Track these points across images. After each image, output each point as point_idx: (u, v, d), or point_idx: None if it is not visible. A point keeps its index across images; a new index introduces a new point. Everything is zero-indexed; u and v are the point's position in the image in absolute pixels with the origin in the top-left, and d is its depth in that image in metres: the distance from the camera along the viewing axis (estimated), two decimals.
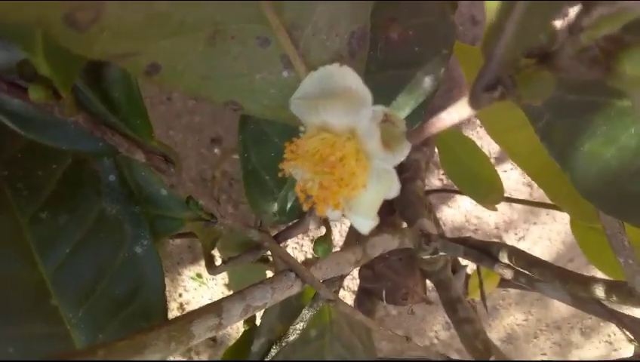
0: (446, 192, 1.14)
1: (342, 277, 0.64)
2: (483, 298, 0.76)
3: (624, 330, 0.51)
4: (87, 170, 0.32)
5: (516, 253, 0.54)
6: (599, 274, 0.51)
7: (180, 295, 1.37)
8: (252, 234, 0.38)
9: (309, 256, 1.38)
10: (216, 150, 1.26)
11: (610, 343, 1.51)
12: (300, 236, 1.41)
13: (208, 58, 0.24)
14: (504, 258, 0.56)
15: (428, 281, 0.78)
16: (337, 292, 0.75)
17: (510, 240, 1.32)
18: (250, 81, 0.25)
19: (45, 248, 0.31)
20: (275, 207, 0.37)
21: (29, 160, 0.31)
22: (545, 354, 1.51)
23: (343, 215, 0.27)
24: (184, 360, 1.43)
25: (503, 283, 0.80)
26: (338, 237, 1.31)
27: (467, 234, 1.33)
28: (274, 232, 0.41)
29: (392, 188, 0.26)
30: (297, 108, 0.25)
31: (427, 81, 0.34)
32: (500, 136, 0.44)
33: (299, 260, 0.41)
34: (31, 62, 0.25)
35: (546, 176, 0.47)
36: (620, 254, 0.34)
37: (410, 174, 0.96)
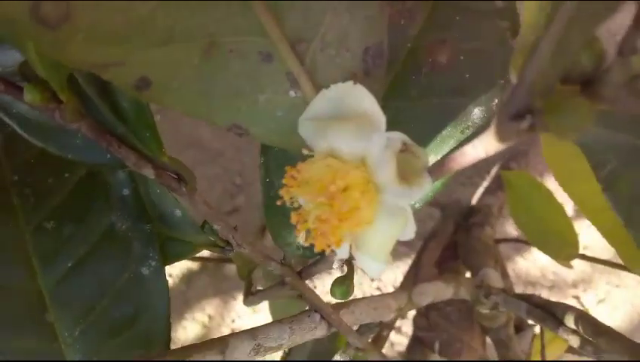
0: (519, 243, 1.06)
1: (382, 324, 0.60)
2: None
3: None
4: (100, 182, 0.31)
5: (583, 318, 0.48)
6: None
7: (233, 321, 1.37)
8: (272, 267, 0.35)
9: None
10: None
11: None
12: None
13: (205, 74, 0.22)
14: (570, 322, 0.51)
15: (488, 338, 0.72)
16: (384, 339, 0.71)
17: (589, 301, 1.21)
18: (254, 101, 0.23)
19: (47, 260, 0.30)
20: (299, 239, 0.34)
21: (41, 166, 0.30)
22: None
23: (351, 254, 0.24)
24: None
25: (571, 349, 0.73)
26: (400, 277, 1.26)
27: (541, 291, 1.24)
28: (300, 267, 0.38)
29: (406, 230, 0.22)
30: (306, 130, 0.23)
31: (477, 113, 0.30)
32: (569, 185, 0.39)
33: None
34: (30, 63, 0.23)
35: (618, 235, 0.41)
36: None
37: (479, 219, 0.90)
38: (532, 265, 1.25)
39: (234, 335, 0.33)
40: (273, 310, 0.72)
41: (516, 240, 1.01)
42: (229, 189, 1.45)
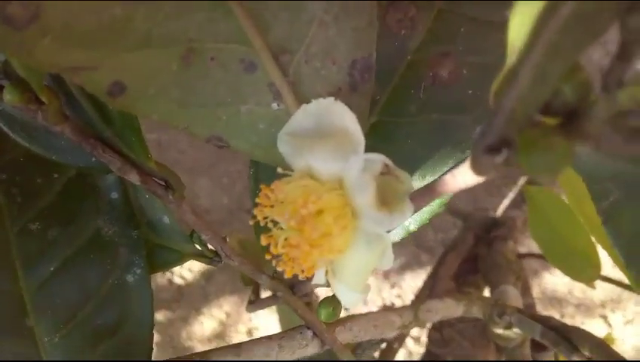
0: (544, 259, 1.03)
1: (394, 337, 0.59)
2: None
3: None
4: (89, 184, 0.30)
5: (597, 346, 0.46)
6: None
7: (250, 319, 1.36)
8: (262, 280, 0.35)
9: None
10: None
11: None
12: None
13: (184, 81, 0.21)
14: (584, 348, 0.49)
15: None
16: (394, 352, 0.69)
17: (616, 321, 1.17)
18: (236, 112, 0.22)
19: (30, 262, 0.29)
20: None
21: (30, 165, 0.30)
22: None
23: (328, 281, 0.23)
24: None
25: None
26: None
27: (568, 309, 1.20)
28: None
29: (384, 259, 0.21)
30: (284, 146, 0.22)
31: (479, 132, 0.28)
32: (578, 204, 0.38)
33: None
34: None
35: None
36: None
37: (502, 232, 0.88)
38: (559, 282, 1.21)
39: (215, 351, 0.32)
40: (280, 313, 0.71)
41: (541, 256, 0.98)
42: None
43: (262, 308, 0.45)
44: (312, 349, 0.37)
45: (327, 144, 0.21)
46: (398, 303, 1.33)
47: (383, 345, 0.65)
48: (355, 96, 0.22)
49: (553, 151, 0.13)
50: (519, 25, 0.14)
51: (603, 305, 1.19)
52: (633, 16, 0.12)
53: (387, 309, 0.44)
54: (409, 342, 1.26)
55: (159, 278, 1.58)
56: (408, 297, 1.32)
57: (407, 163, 0.29)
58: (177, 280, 1.59)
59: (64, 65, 0.19)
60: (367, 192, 0.20)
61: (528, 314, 0.60)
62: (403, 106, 0.28)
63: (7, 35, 0.17)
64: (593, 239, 0.57)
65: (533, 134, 0.14)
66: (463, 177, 0.18)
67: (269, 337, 0.35)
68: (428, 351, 0.79)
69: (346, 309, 0.33)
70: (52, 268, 0.29)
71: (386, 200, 0.21)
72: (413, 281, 1.31)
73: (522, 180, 1.05)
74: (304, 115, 0.21)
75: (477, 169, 0.16)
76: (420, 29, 0.28)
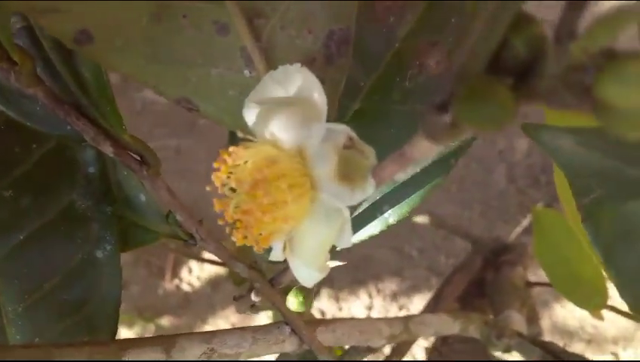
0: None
1: (394, 350, 0.58)
2: None
3: None
4: (67, 157, 0.30)
5: None
6: None
7: None
8: (239, 269, 0.34)
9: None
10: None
11: None
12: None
13: (154, 36, 0.21)
14: None
15: None
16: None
17: (628, 359, 1.14)
18: (206, 75, 0.22)
19: (0, 229, 0.29)
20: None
21: (9, 134, 0.30)
22: None
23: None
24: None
25: None
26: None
27: (579, 344, 1.17)
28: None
29: (342, 236, 0.20)
30: (250, 114, 0.21)
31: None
32: (576, 220, 0.36)
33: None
34: None
35: None
36: None
37: (512, 257, 0.86)
38: (570, 315, 1.18)
39: (185, 335, 0.31)
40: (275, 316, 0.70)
41: (551, 286, 0.96)
42: None
43: (249, 305, 0.44)
44: (289, 346, 0.36)
45: (291, 112, 0.20)
46: None
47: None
48: (330, 68, 0.22)
49: (494, 101, 0.13)
50: None
51: (615, 342, 1.16)
52: None
53: (376, 318, 0.43)
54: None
55: (167, 284, 1.58)
56: None
57: (389, 151, 0.28)
58: (185, 287, 1.59)
59: (31, 6, 0.19)
60: (328, 163, 0.19)
61: (528, 337, 0.58)
62: (387, 94, 0.27)
63: None
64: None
65: (475, 85, 0.13)
66: (420, 144, 0.17)
67: (243, 328, 0.34)
68: None
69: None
70: (21, 237, 0.29)
71: (349, 174, 0.20)
72: (421, 304, 1.29)
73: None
74: (271, 82, 0.21)
75: (428, 132, 0.16)
76: (409, 17, 0.28)
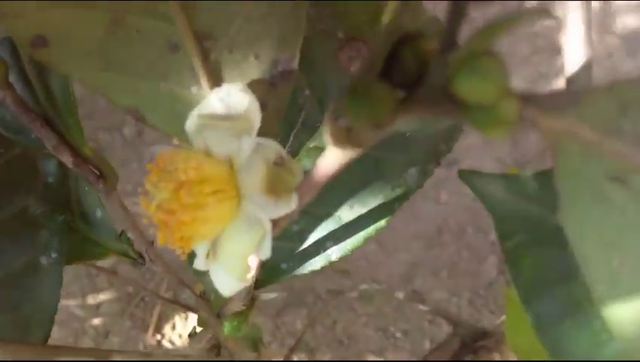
0: None
1: None
2: None
3: None
4: (30, 164, 0.31)
5: None
6: None
7: None
8: (186, 295, 0.34)
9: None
10: None
11: None
12: None
13: (108, 47, 0.22)
14: None
15: None
16: None
17: None
18: (155, 88, 0.23)
19: None
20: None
21: None
22: None
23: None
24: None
25: None
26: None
27: None
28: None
29: (262, 247, 0.21)
30: (190, 125, 0.22)
31: (412, 173, 0.29)
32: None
33: None
34: None
35: None
36: None
37: (489, 343, 0.85)
38: None
39: (120, 352, 0.31)
40: None
41: None
42: None
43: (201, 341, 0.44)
44: None
45: (226, 125, 0.21)
46: None
47: None
48: (272, 93, 0.23)
49: (372, 96, 0.13)
50: None
51: None
52: None
53: None
54: None
55: (149, 339, 1.55)
56: None
57: (338, 191, 0.29)
58: (166, 343, 1.56)
59: None
60: (255, 174, 0.20)
61: None
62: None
63: None
64: None
65: (357, 85, 0.14)
66: (330, 158, 0.18)
67: (179, 350, 0.33)
68: None
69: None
70: None
71: (275, 188, 0.21)
72: None
73: None
74: (214, 99, 0.22)
75: (333, 138, 0.16)
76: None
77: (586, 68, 0.27)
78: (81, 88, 0.24)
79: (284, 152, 0.21)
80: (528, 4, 1.33)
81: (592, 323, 0.21)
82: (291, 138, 0.30)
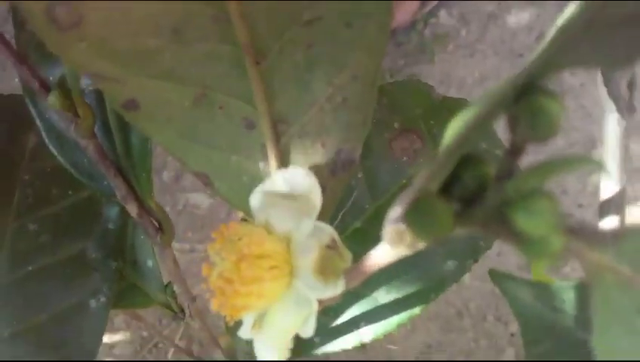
0: None
1: None
2: None
3: None
4: (94, 210, 0.33)
5: None
6: None
7: None
8: (216, 355, 0.35)
9: None
10: None
11: None
12: None
13: (191, 118, 0.24)
14: None
15: None
16: None
17: None
18: (227, 159, 0.25)
19: (15, 257, 0.32)
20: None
21: (53, 178, 0.34)
22: None
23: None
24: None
25: None
26: None
27: None
28: None
29: (307, 325, 0.22)
30: (254, 200, 0.24)
31: (450, 266, 0.30)
32: None
33: None
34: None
35: None
36: None
37: None
38: None
39: None
40: None
41: None
42: None
43: None
44: None
45: (288, 205, 0.23)
46: None
47: None
48: (333, 179, 0.25)
49: (434, 214, 0.15)
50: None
51: None
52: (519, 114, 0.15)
53: None
54: None
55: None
56: None
57: (377, 273, 0.30)
58: None
59: (92, 71, 0.23)
60: (310, 255, 0.22)
61: None
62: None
63: (51, 32, 0.21)
64: None
65: (422, 200, 0.16)
66: (382, 252, 0.20)
67: None
68: None
69: None
70: (30, 269, 0.32)
71: (325, 271, 0.22)
72: None
73: None
74: (280, 178, 0.24)
75: (389, 239, 0.18)
76: (421, 160, 0.31)
77: (620, 194, 0.28)
78: None
79: (337, 237, 0.22)
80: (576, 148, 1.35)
81: None
82: (339, 217, 0.32)
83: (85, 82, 0.30)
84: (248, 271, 0.21)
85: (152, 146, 0.30)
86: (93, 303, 0.32)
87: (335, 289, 0.22)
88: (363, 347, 1.14)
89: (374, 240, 0.30)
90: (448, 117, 0.33)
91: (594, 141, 1.49)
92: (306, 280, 0.22)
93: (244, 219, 0.24)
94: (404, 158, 0.31)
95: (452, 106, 0.33)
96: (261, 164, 0.25)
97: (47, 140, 0.31)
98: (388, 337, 1.22)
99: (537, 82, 0.15)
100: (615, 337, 0.17)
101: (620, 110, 0.27)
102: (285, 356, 0.23)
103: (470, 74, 1.44)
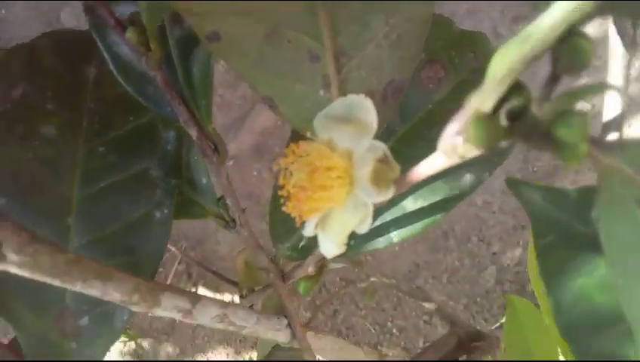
0: None
1: None
2: None
3: None
4: (154, 133, 0.37)
5: None
6: None
7: None
8: (261, 258, 0.40)
9: None
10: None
11: None
12: None
13: (263, 49, 0.28)
14: None
15: None
16: None
17: None
18: (291, 87, 0.29)
19: (87, 175, 0.36)
20: (291, 240, 0.39)
21: (116, 105, 0.37)
22: None
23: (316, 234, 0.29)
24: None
25: None
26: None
27: None
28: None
29: (364, 223, 0.27)
30: (318, 123, 0.28)
31: (467, 178, 0.35)
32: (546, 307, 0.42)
33: None
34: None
35: None
36: None
37: (483, 345, 0.91)
38: None
39: (208, 298, 0.37)
40: (259, 348, 0.75)
41: None
42: None
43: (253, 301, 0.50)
44: (282, 336, 0.42)
45: (349, 126, 0.27)
46: None
47: None
48: (383, 106, 0.29)
49: (489, 127, 0.20)
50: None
51: None
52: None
53: (358, 346, 0.49)
54: None
55: None
56: None
57: None
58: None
59: (184, 8, 0.27)
60: (367, 167, 0.26)
61: None
62: (415, 141, 0.35)
63: None
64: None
65: (479, 116, 0.20)
66: (433, 162, 0.24)
67: (252, 308, 0.40)
68: None
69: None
70: (102, 185, 0.36)
71: (378, 180, 0.27)
72: None
73: None
74: (340, 104, 0.28)
75: (445, 149, 0.23)
76: (444, 89, 0.35)
77: (621, 116, 0.33)
78: None
79: (388, 153, 0.27)
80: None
81: (597, 311, 0.27)
82: None
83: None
84: (320, 180, 0.26)
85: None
86: (157, 214, 0.37)
87: (387, 195, 0.27)
88: (360, 263, 1.21)
89: (405, 159, 0.35)
90: (467, 48, 0.37)
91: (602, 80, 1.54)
92: (364, 188, 0.27)
93: (307, 138, 0.28)
94: (430, 86, 0.35)
95: (470, 38, 0.37)
96: (322, 92, 0.29)
97: (115, 71, 0.35)
98: (379, 257, 1.30)
99: (575, 28, 0.19)
100: (618, 225, 0.22)
101: (625, 45, 0.31)
102: (343, 249, 0.28)
103: (460, 6, 1.47)
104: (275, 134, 1.62)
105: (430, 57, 0.36)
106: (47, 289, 0.27)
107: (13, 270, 0.24)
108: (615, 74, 0.32)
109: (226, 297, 1.56)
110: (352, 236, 0.37)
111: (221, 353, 1.51)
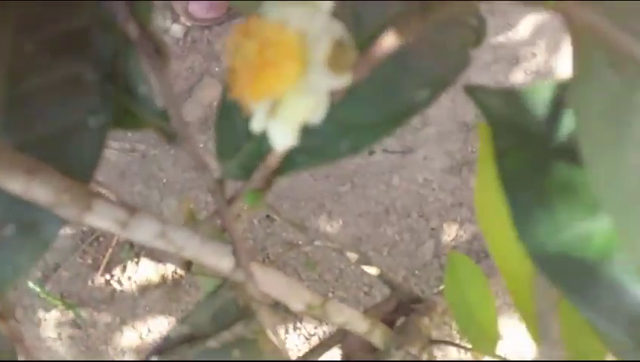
0: (452, 345, 1.05)
1: (287, 311, 0.59)
2: None
3: None
4: (89, 37, 0.33)
5: None
6: None
7: None
8: (206, 177, 0.37)
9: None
10: None
11: None
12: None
13: None
14: None
15: None
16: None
17: None
18: None
19: (15, 74, 0.32)
20: (239, 157, 0.36)
21: (50, 6, 0.33)
22: None
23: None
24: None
25: None
26: None
27: None
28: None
29: (317, 111, 0.25)
30: (269, 4, 0.25)
31: (422, 95, 0.33)
32: (488, 228, 0.41)
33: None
34: None
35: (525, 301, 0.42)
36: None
37: (423, 308, 0.91)
38: None
39: (148, 215, 0.33)
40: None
41: (450, 343, 1.00)
42: None
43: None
44: (226, 264, 0.38)
45: (304, 5, 0.25)
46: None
47: None
48: None
49: None
50: None
51: None
52: None
53: (300, 284, 0.46)
54: None
55: (98, 277, 1.54)
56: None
57: (359, 99, 0.33)
58: (114, 284, 1.56)
59: None
60: (323, 47, 0.24)
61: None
62: None
63: None
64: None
65: None
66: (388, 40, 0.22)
67: (195, 232, 0.36)
68: None
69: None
70: (32, 85, 0.32)
71: (333, 63, 0.24)
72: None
73: None
74: None
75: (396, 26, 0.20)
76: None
77: None
78: None
79: (346, 35, 0.24)
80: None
81: (555, 211, 0.26)
82: None
83: None
84: (270, 55, 0.23)
85: None
86: (92, 121, 0.33)
87: (343, 79, 0.24)
88: (303, 228, 1.18)
89: None
90: None
91: (517, 57, 1.56)
92: (318, 70, 0.24)
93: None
94: None
95: None
96: None
97: None
98: (322, 230, 1.28)
99: None
100: (591, 93, 0.20)
101: None
102: (295, 140, 0.25)
103: None
104: None
105: None
106: None
107: None
108: None
109: (169, 268, 1.52)
110: (300, 151, 0.34)
111: (162, 323, 1.46)
